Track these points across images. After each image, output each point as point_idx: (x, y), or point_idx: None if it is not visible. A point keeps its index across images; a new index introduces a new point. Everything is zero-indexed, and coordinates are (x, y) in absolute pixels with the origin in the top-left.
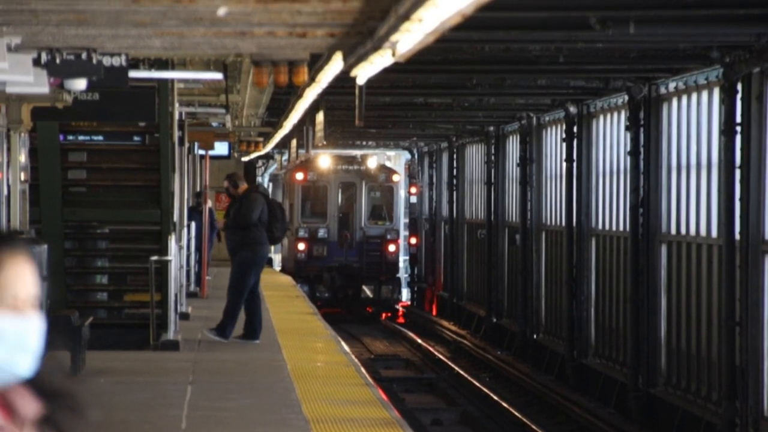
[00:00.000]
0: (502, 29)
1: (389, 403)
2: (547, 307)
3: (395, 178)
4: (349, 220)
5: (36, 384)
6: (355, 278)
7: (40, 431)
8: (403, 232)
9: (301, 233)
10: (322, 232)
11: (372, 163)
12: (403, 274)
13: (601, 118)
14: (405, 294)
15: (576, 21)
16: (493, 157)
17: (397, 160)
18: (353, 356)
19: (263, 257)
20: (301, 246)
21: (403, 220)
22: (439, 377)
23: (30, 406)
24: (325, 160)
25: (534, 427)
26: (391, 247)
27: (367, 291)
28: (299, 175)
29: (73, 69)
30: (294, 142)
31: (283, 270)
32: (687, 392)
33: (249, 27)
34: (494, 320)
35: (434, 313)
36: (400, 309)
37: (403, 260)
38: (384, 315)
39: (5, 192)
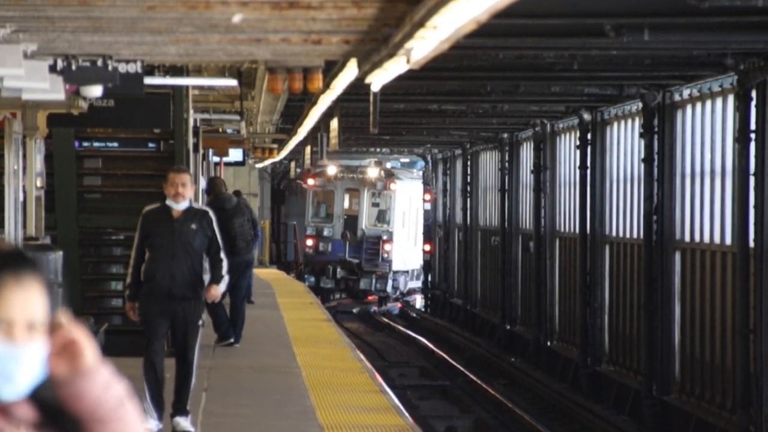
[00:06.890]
0: (517, 36)
1: (403, 409)
2: (561, 314)
3: (392, 186)
4: (351, 221)
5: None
6: (354, 272)
7: None
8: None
9: (309, 231)
10: (327, 231)
11: (372, 172)
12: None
13: (615, 125)
14: (419, 301)
15: (590, 28)
16: (507, 164)
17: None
18: (367, 363)
19: None
20: (309, 242)
21: (398, 223)
22: (453, 384)
23: (26, 411)
24: (332, 168)
25: None
26: (387, 247)
27: (365, 284)
28: (310, 181)
29: (89, 76)
30: (308, 149)
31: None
32: (701, 400)
33: (264, 34)
34: (508, 327)
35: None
36: (399, 304)
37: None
38: (378, 307)
39: (21, 198)
